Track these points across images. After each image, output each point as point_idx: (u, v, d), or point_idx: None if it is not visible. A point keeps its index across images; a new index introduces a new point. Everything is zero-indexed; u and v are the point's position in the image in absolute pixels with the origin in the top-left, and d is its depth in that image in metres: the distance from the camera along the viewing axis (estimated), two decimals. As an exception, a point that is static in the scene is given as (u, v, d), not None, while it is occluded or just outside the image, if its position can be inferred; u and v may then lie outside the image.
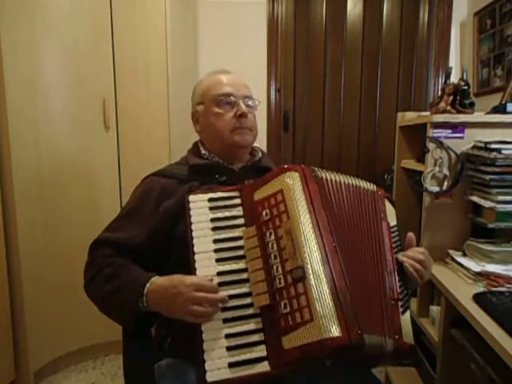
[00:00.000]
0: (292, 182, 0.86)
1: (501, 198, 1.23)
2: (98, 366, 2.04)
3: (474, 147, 1.32)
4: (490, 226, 1.26)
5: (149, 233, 0.97)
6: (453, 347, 1.21)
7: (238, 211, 0.90)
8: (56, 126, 1.85)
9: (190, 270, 0.83)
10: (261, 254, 0.82)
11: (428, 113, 1.52)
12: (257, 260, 0.82)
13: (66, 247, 1.88)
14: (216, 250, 0.85)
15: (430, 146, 1.35)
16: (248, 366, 0.75)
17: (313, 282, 0.75)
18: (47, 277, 1.85)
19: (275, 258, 0.80)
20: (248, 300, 0.80)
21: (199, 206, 0.89)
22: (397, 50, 2.68)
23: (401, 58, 2.68)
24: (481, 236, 1.33)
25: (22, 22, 1.68)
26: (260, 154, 1.16)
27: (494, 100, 1.68)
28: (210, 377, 0.74)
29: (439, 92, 1.59)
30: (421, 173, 1.40)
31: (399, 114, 1.72)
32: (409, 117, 1.67)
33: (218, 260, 0.84)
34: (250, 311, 0.79)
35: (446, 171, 1.35)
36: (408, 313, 0.89)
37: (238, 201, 0.91)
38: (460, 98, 1.38)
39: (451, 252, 1.35)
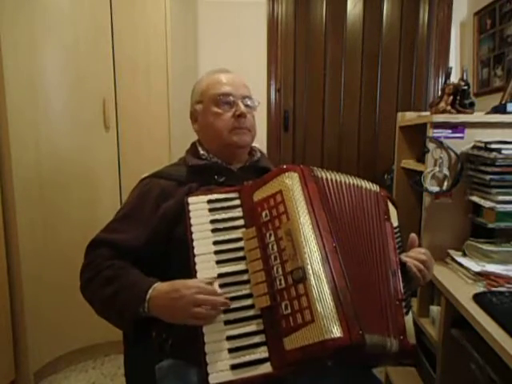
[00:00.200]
0: (291, 182, 0.86)
1: (501, 198, 1.23)
2: (98, 366, 2.04)
3: (474, 147, 1.32)
4: (490, 226, 1.26)
5: (148, 235, 0.97)
6: (453, 347, 1.21)
7: (238, 212, 0.89)
8: (56, 125, 1.85)
9: (190, 272, 0.83)
10: (261, 255, 0.82)
11: (428, 113, 1.52)
12: (257, 261, 0.82)
13: (66, 247, 1.88)
14: (216, 252, 0.85)
15: (430, 146, 1.35)
16: (250, 367, 0.75)
17: (313, 282, 0.75)
18: (47, 277, 1.85)
19: (275, 259, 0.80)
20: (249, 301, 0.80)
21: (199, 207, 0.89)
22: (397, 50, 2.68)
23: (401, 58, 2.68)
24: (481, 236, 1.33)
25: (22, 22, 1.68)
26: (258, 154, 1.16)
27: (494, 100, 1.67)
28: (212, 379, 0.74)
29: (439, 92, 1.59)
30: (421, 173, 1.40)
31: (399, 114, 1.72)
32: (409, 117, 1.67)
33: (218, 262, 0.84)
34: (251, 313, 0.79)
35: (446, 171, 1.35)
36: (410, 313, 0.89)
37: (237, 202, 0.91)
38: (460, 98, 1.38)
39: (451, 252, 1.35)
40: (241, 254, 0.85)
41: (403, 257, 0.93)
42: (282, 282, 0.78)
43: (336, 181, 0.92)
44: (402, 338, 0.82)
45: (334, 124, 2.75)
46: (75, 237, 1.88)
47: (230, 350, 0.76)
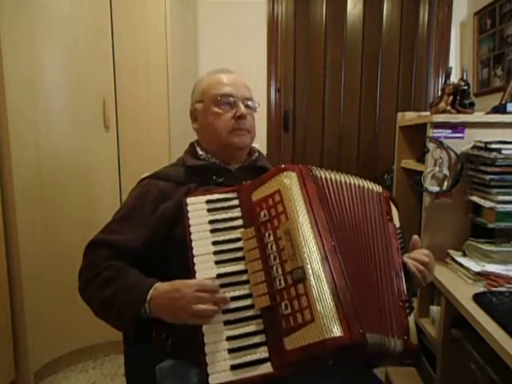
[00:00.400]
0: (289, 181, 0.86)
1: (501, 198, 1.23)
2: (97, 366, 2.04)
3: (474, 147, 1.32)
4: (490, 226, 1.26)
5: (147, 236, 0.97)
6: (453, 347, 1.20)
7: (237, 212, 0.89)
8: (56, 125, 1.85)
9: (190, 272, 0.83)
10: (260, 255, 0.82)
11: (428, 113, 1.52)
12: (256, 261, 0.82)
13: (66, 247, 1.88)
14: (215, 252, 0.85)
15: (430, 146, 1.35)
16: (250, 367, 0.75)
17: (313, 282, 0.75)
18: (47, 277, 1.85)
19: (274, 259, 0.80)
20: (248, 301, 0.80)
21: (197, 208, 0.89)
22: (397, 50, 2.68)
23: (401, 58, 2.68)
24: (481, 236, 1.33)
25: (22, 22, 1.68)
26: (257, 154, 1.15)
27: (494, 100, 1.67)
28: (212, 380, 0.74)
29: (439, 92, 1.59)
30: (421, 173, 1.40)
31: (399, 114, 1.72)
32: (409, 117, 1.67)
33: (217, 262, 0.84)
34: (251, 313, 0.79)
35: (445, 171, 1.35)
36: (412, 313, 0.89)
37: (235, 202, 0.91)
38: (460, 98, 1.38)
39: (451, 252, 1.35)
40: (240, 254, 0.85)
41: (404, 257, 0.93)
42: (282, 281, 0.78)
43: (336, 180, 0.92)
44: (406, 338, 0.82)
45: (334, 124, 2.74)
46: (75, 237, 1.87)
47: (230, 351, 0.76)
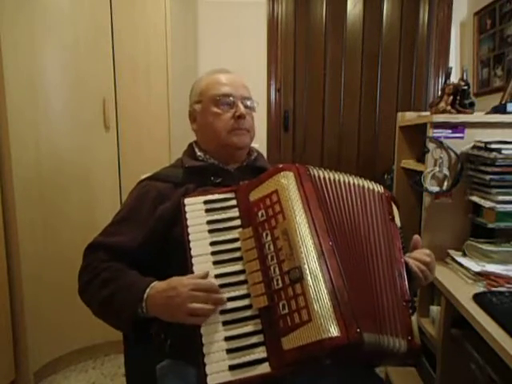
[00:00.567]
0: (287, 181, 0.86)
1: (501, 198, 1.23)
2: (97, 366, 2.04)
3: (474, 147, 1.32)
4: (490, 226, 1.26)
5: (145, 236, 0.97)
6: (453, 347, 1.20)
7: (234, 212, 0.89)
8: (56, 125, 1.85)
9: (188, 273, 0.83)
10: (258, 255, 0.82)
11: (428, 113, 1.52)
12: (254, 261, 0.82)
13: (66, 247, 1.88)
14: (213, 253, 0.85)
15: (430, 145, 1.35)
16: (248, 367, 0.75)
17: (310, 282, 0.75)
18: (47, 277, 1.85)
19: (272, 259, 0.80)
20: (246, 302, 0.80)
21: (195, 208, 0.89)
22: (397, 50, 2.68)
23: (401, 58, 2.68)
24: (481, 236, 1.33)
25: (22, 22, 1.68)
26: (255, 154, 1.15)
27: (494, 100, 1.67)
28: (211, 380, 0.74)
29: (439, 92, 1.59)
30: (421, 173, 1.40)
31: (399, 114, 1.72)
32: (409, 117, 1.67)
33: (215, 263, 0.84)
34: (249, 313, 0.79)
35: (446, 171, 1.35)
36: (415, 313, 0.89)
37: (233, 202, 0.91)
38: (460, 98, 1.38)
39: (451, 252, 1.35)
40: (238, 254, 0.85)
41: (406, 257, 0.93)
42: (279, 281, 0.78)
43: (334, 180, 0.92)
44: (410, 338, 0.82)
45: (334, 124, 2.74)
46: (75, 237, 1.88)
47: (229, 351, 0.76)
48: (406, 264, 0.92)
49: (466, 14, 2.45)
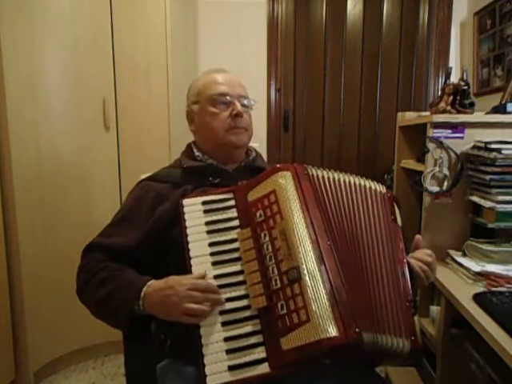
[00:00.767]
0: (284, 181, 0.86)
1: (501, 198, 1.23)
2: (98, 366, 2.04)
3: (474, 147, 1.32)
4: (490, 226, 1.26)
5: (143, 236, 0.97)
6: (453, 347, 1.20)
7: (233, 213, 0.89)
8: (56, 125, 1.85)
9: (187, 273, 0.83)
10: (256, 255, 0.82)
11: (428, 113, 1.52)
12: (252, 262, 0.82)
13: (66, 247, 1.88)
14: (212, 254, 0.85)
15: (430, 145, 1.35)
16: (248, 368, 0.75)
17: (308, 282, 0.75)
18: (47, 277, 1.85)
19: (270, 259, 0.80)
20: (245, 302, 0.80)
21: (193, 209, 0.89)
22: (397, 50, 2.68)
23: (401, 58, 2.68)
24: (481, 236, 1.33)
25: (22, 22, 1.68)
26: (254, 154, 1.15)
27: (494, 100, 1.67)
28: (210, 381, 0.74)
29: (439, 92, 1.59)
30: (421, 173, 1.40)
31: (399, 114, 1.72)
32: (409, 117, 1.67)
33: (214, 263, 0.84)
34: (248, 313, 0.79)
35: (445, 171, 1.35)
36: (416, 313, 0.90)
37: (231, 202, 0.91)
38: (460, 98, 1.38)
39: (451, 252, 1.35)
40: (236, 254, 0.85)
41: (408, 257, 0.94)
42: (278, 282, 0.78)
43: (334, 179, 0.92)
44: (413, 338, 0.82)
45: (334, 124, 2.75)
46: (75, 237, 1.87)
47: (228, 351, 0.76)
48: (408, 264, 0.92)
49: (465, 14, 2.45)
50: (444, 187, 1.35)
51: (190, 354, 0.81)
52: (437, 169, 1.34)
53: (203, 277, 0.81)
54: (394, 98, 2.72)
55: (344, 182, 0.93)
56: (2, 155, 1.67)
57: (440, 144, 1.34)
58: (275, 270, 0.79)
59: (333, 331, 0.71)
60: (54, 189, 1.86)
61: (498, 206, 1.22)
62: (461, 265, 1.26)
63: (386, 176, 2.45)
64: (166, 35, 1.96)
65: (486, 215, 1.29)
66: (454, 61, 2.59)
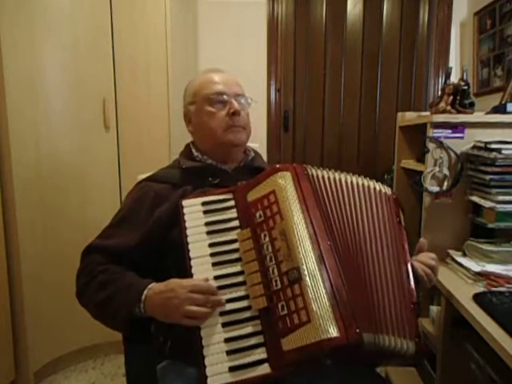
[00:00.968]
0: (284, 181, 0.86)
1: (501, 198, 1.23)
2: (97, 366, 2.03)
3: (474, 147, 1.32)
4: (490, 226, 1.26)
5: (142, 236, 0.96)
6: (453, 347, 1.20)
7: (232, 213, 0.89)
8: (56, 125, 1.85)
9: (187, 274, 0.83)
10: (256, 256, 0.82)
11: (428, 113, 1.52)
12: (252, 262, 0.82)
13: (66, 247, 1.88)
14: (212, 255, 0.85)
15: (430, 145, 1.35)
16: (249, 369, 0.75)
17: (309, 282, 0.75)
18: (47, 277, 1.85)
19: (270, 259, 0.80)
20: (246, 303, 0.80)
21: (193, 210, 0.89)
22: (397, 50, 2.68)
23: (401, 58, 2.68)
24: (481, 236, 1.33)
25: (22, 22, 1.68)
26: (252, 154, 1.15)
27: (494, 100, 1.67)
28: (211, 382, 0.74)
29: (439, 92, 1.59)
30: (421, 173, 1.40)
31: (399, 114, 1.72)
32: (409, 117, 1.67)
33: (214, 264, 0.84)
34: (248, 314, 0.79)
35: (446, 171, 1.35)
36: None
37: (231, 203, 0.91)
38: (460, 98, 1.38)
39: (451, 252, 1.35)
40: (236, 255, 0.85)
41: (411, 260, 0.94)
42: (278, 282, 0.78)
43: (335, 179, 0.91)
44: (417, 340, 0.82)
45: (334, 124, 2.74)
46: (75, 237, 1.87)
47: (229, 352, 0.76)
48: (412, 267, 0.92)
49: (465, 14, 2.45)
50: (444, 187, 1.35)
51: (190, 355, 0.81)
52: (437, 169, 1.35)
53: (206, 281, 0.81)
54: (394, 98, 2.72)
55: (346, 182, 0.92)
56: (2, 155, 1.67)
57: (440, 144, 1.34)
58: (275, 270, 0.79)
59: (333, 332, 0.71)
60: (54, 189, 1.86)
61: (498, 205, 1.22)
62: (461, 265, 1.26)
63: (386, 176, 2.45)
64: (166, 35, 1.96)
65: (485, 215, 1.29)
66: (454, 61, 2.59)
